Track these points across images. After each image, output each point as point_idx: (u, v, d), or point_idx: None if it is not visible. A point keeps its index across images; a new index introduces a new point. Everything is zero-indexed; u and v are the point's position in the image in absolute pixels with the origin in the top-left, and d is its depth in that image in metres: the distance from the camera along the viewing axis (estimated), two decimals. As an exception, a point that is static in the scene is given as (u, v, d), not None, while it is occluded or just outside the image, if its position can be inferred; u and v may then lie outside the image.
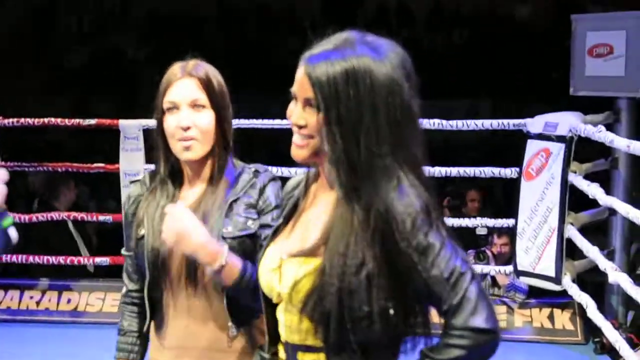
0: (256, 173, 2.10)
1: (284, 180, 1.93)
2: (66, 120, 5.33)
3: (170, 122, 2.01)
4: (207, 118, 2.02)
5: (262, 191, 2.06)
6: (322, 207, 1.61)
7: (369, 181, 1.52)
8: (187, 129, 1.99)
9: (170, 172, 2.08)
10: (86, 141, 9.48)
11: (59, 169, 5.45)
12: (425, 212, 1.50)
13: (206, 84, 2.03)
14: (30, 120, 5.32)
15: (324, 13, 16.85)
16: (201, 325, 2.04)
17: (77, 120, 5.34)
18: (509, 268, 4.72)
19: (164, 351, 2.08)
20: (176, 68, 2.06)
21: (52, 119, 5.34)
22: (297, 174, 1.80)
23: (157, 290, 2.05)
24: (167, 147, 2.05)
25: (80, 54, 15.14)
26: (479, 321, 1.47)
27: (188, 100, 2.01)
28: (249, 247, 2.03)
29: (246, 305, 1.98)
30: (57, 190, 5.92)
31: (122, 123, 5.13)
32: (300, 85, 1.56)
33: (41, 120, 5.33)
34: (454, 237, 1.55)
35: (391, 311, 1.52)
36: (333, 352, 1.56)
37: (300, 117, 1.58)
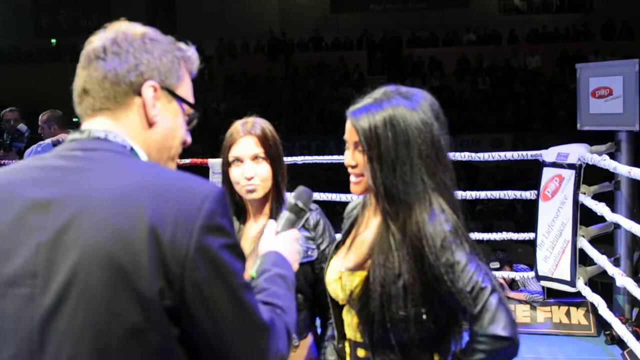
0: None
1: (342, 204, 1.92)
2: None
3: (236, 173, 2.00)
4: (265, 168, 2.00)
5: (315, 227, 2.04)
6: (372, 230, 1.61)
7: (404, 206, 1.49)
8: (250, 178, 1.99)
9: (236, 211, 2.06)
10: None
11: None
12: (453, 232, 1.46)
13: (263, 140, 2.00)
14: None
15: (369, 66, 16.98)
16: None
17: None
18: (531, 273, 4.68)
19: None
20: (238, 126, 2.03)
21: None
22: (353, 199, 1.75)
23: None
24: (233, 191, 2.03)
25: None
26: (497, 329, 1.41)
27: (250, 155, 2.00)
28: (309, 273, 2.01)
29: (303, 321, 2.00)
30: None
31: (211, 161, 5.12)
32: (349, 133, 1.57)
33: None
34: (479, 254, 1.49)
35: (424, 316, 1.48)
36: (377, 349, 1.53)
37: (351, 159, 1.59)
